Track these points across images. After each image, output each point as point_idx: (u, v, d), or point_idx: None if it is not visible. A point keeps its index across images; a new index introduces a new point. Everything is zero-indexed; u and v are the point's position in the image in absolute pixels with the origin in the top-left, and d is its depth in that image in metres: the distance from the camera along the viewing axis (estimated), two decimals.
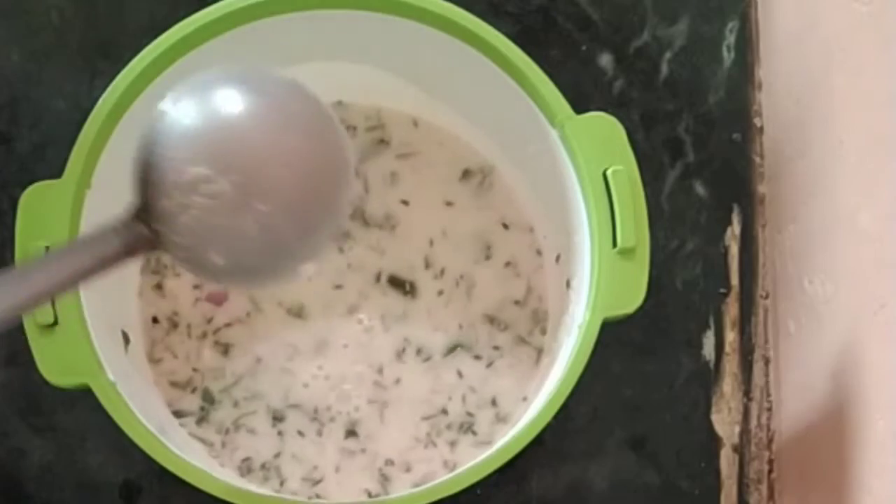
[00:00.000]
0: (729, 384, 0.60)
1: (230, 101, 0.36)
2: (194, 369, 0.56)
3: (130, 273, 0.57)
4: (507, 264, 0.58)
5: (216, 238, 0.36)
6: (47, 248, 0.47)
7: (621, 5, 0.63)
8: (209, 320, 0.57)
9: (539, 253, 0.58)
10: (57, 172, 0.48)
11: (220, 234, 0.35)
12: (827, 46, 0.57)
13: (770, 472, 0.60)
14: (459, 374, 0.57)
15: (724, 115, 0.63)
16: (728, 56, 0.63)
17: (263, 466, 0.55)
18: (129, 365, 0.54)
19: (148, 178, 0.35)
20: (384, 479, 0.56)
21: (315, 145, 0.36)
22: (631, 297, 0.48)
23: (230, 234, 0.36)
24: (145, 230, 0.36)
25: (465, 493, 0.47)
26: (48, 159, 0.59)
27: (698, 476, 0.60)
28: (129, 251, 0.36)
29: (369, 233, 0.58)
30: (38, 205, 0.47)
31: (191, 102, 0.36)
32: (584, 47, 0.63)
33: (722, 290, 0.61)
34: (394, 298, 0.57)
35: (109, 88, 0.49)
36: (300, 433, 0.56)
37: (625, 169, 0.48)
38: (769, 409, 0.61)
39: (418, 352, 0.57)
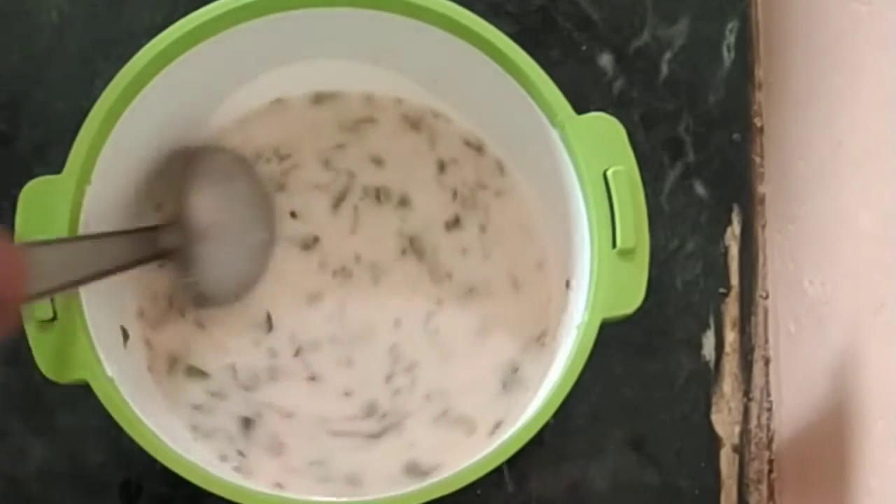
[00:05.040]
0: (729, 384, 0.60)
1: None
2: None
3: None
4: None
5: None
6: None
7: (621, 5, 0.63)
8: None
9: (541, 248, 0.58)
10: (57, 173, 0.48)
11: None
12: (827, 46, 0.57)
13: (770, 472, 0.60)
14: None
15: (724, 115, 0.63)
16: (728, 56, 0.63)
17: None
18: (128, 361, 0.53)
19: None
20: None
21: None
22: (630, 297, 0.48)
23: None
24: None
25: (464, 493, 0.47)
26: (49, 160, 0.59)
27: (698, 476, 0.59)
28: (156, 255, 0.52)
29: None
30: (37, 200, 0.47)
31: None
32: (584, 47, 0.63)
33: (722, 290, 0.61)
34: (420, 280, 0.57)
35: (110, 85, 0.49)
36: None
37: (625, 169, 0.48)
38: (769, 409, 0.61)
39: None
